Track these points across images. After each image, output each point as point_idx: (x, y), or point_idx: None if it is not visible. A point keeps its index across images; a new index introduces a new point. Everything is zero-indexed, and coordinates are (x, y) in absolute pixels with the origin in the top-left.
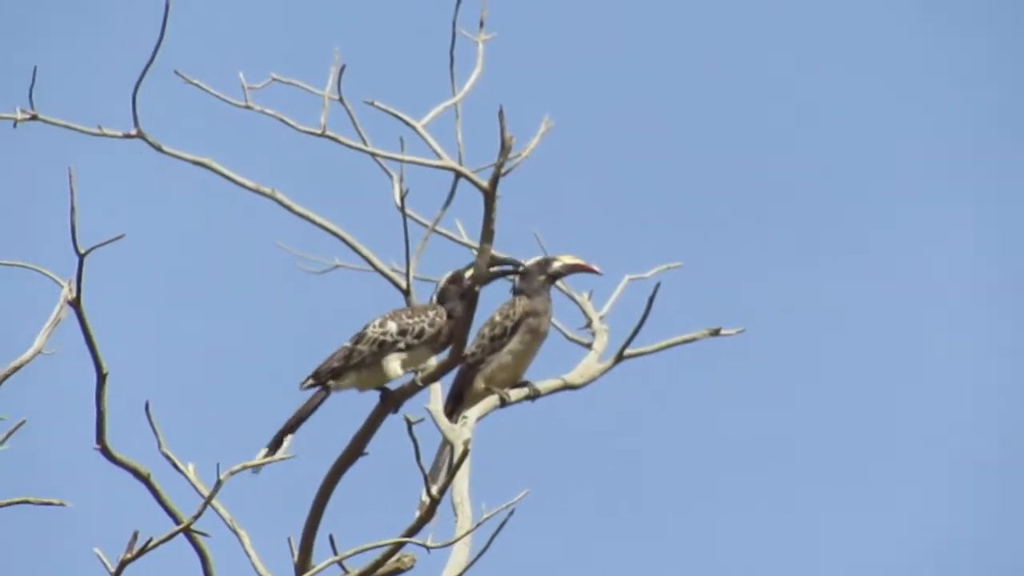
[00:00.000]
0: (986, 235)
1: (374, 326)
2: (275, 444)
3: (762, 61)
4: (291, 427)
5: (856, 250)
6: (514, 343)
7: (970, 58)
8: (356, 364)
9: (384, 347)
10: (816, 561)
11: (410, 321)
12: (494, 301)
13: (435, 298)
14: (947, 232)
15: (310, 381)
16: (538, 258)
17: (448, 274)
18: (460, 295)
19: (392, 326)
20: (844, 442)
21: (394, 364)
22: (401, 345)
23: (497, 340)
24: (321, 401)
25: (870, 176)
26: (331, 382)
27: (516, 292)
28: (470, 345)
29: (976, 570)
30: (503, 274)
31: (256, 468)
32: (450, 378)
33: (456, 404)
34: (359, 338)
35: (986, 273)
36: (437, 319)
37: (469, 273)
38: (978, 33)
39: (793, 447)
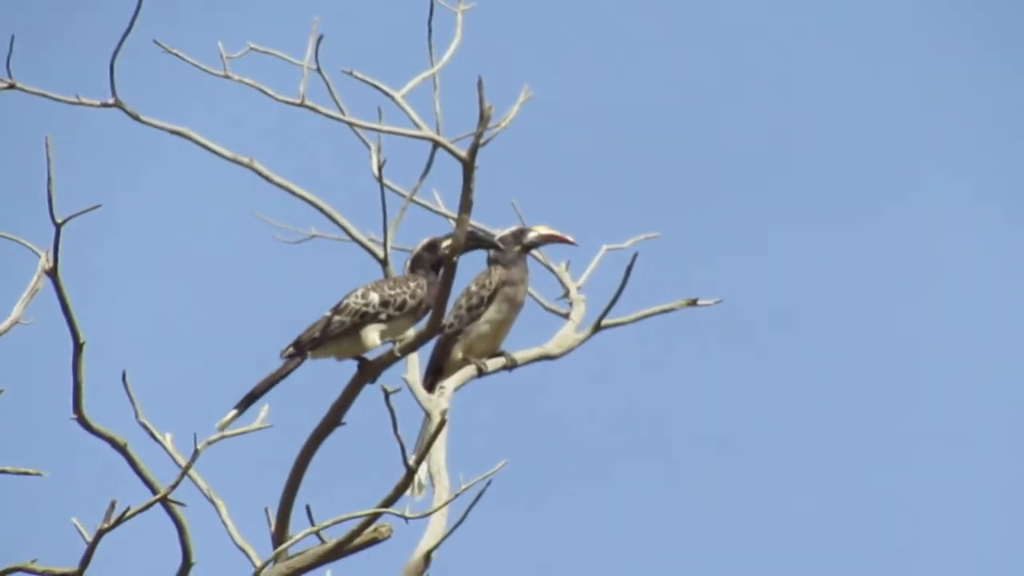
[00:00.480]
0: (963, 208)
1: (356, 296)
2: (244, 404)
3: (742, 29)
4: (261, 390)
5: (836, 221)
6: (491, 312)
7: (978, 30)
8: (336, 335)
9: (365, 318)
10: (792, 530)
11: (392, 292)
12: (470, 271)
13: (409, 264)
14: (928, 204)
15: (291, 350)
16: (513, 228)
17: (424, 241)
18: (433, 263)
19: (374, 297)
20: (821, 413)
21: (373, 335)
22: (383, 316)
23: (474, 310)
24: (295, 367)
25: (849, 146)
26: (309, 351)
27: (491, 262)
28: (447, 316)
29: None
30: (480, 247)
31: (226, 428)
32: (427, 349)
33: (436, 376)
34: (340, 308)
35: (961, 246)
36: (418, 290)
37: (446, 242)
38: (988, 9)
39: (770, 418)
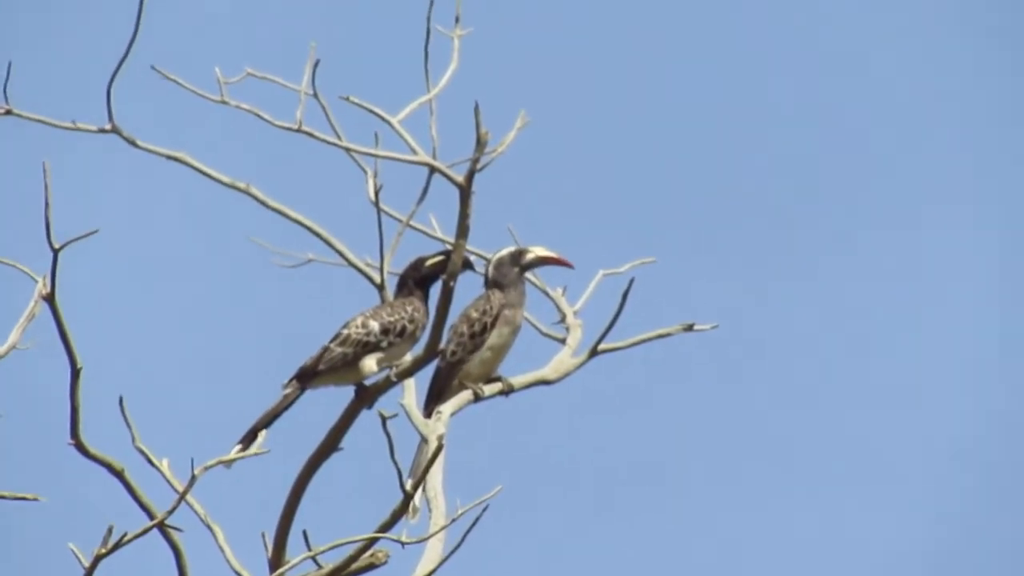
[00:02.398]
0: (960, 234)
1: (356, 326)
2: (248, 439)
3: (739, 54)
4: (264, 423)
5: (832, 247)
6: (492, 337)
7: (963, 53)
8: (337, 365)
9: (367, 347)
10: (788, 556)
11: (391, 319)
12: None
13: (397, 286)
14: (927, 231)
15: (292, 383)
16: (511, 249)
17: (412, 260)
18: (417, 280)
19: (375, 325)
20: (816, 436)
21: (370, 362)
22: (383, 344)
23: (478, 336)
24: (295, 399)
25: (847, 172)
26: (309, 383)
27: (490, 285)
28: (449, 344)
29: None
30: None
31: (228, 463)
32: (425, 374)
33: (436, 402)
34: (343, 340)
35: (959, 270)
36: (416, 314)
37: (431, 260)
38: (967, 28)
39: (766, 442)
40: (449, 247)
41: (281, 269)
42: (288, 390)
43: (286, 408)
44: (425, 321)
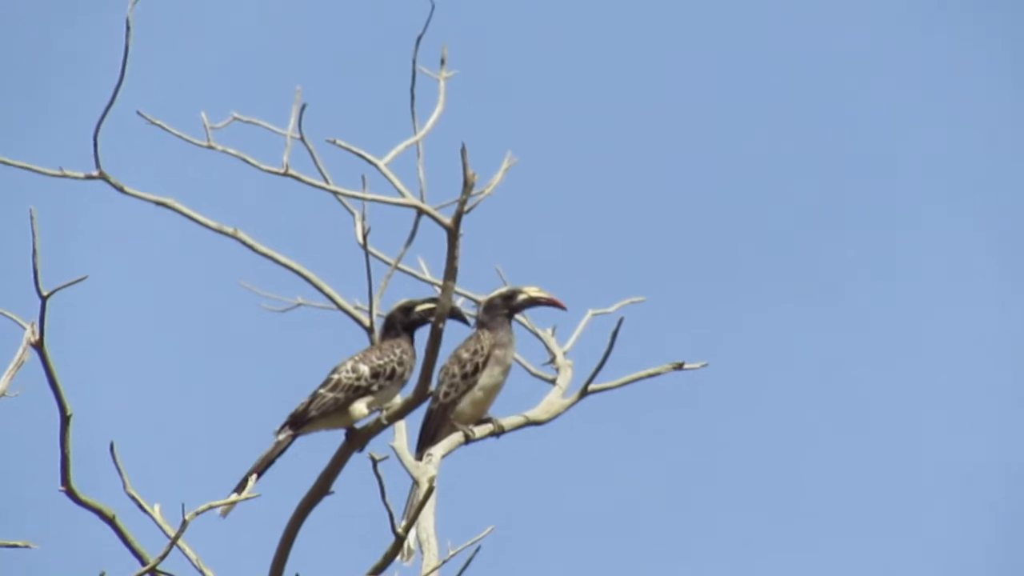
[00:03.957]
0: (937, 268)
1: (346, 371)
2: (242, 487)
3: (724, 98)
4: (258, 470)
5: (818, 288)
6: (484, 378)
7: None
8: (329, 411)
9: (358, 392)
10: None
11: (380, 362)
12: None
13: (382, 326)
14: (908, 272)
15: (285, 429)
16: (503, 289)
17: (399, 303)
18: (406, 325)
19: (364, 370)
20: (806, 475)
21: (360, 405)
22: (374, 388)
23: (470, 377)
24: (288, 445)
25: (831, 213)
26: (300, 429)
27: (479, 325)
28: (441, 385)
29: None
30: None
31: (224, 511)
32: (414, 415)
33: (429, 444)
34: (333, 385)
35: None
36: (404, 356)
37: (421, 306)
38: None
39: (756, 482)
40: (439, 292)
41: (270, 313)
42: (281, 437)
43: (279, 455)
44: (413, 363)
